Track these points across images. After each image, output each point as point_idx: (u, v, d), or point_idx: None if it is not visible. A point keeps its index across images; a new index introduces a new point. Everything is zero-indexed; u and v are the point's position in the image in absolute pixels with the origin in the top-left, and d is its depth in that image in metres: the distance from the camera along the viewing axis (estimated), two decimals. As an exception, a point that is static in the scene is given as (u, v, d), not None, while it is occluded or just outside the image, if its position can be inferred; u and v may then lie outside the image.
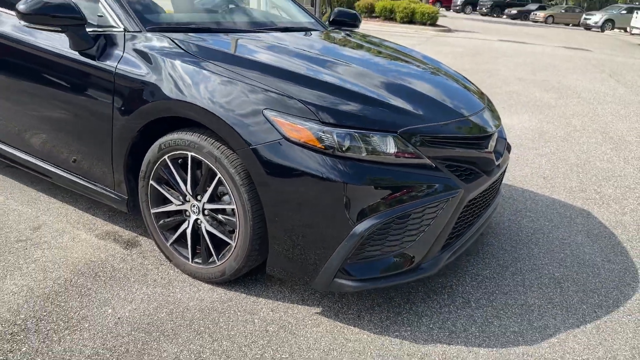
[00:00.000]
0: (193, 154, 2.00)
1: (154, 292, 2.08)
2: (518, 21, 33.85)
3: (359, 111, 1.88)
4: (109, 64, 2.15)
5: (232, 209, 1.98)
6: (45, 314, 1.89)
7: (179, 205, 2.14)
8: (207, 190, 2.03)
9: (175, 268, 2.25)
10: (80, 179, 2.45)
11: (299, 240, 1.86)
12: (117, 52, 2.16)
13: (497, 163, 2.26)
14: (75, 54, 2.23)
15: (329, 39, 2.90)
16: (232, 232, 2.05)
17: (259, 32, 2.67)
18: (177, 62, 2.03)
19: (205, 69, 1.98)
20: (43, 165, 2.58)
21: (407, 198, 1.82)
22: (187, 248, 2.17)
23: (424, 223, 1.89)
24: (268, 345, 1.83)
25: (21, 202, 2.74)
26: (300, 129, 1.78)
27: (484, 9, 37.52)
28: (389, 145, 1.82)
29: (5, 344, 1.73)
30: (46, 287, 2.05)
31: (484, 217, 2.34)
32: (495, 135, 2.28)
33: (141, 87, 2.07)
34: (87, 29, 2.21)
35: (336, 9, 3.67)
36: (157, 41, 2.15)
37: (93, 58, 2.19)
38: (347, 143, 1.78)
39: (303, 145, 1.78)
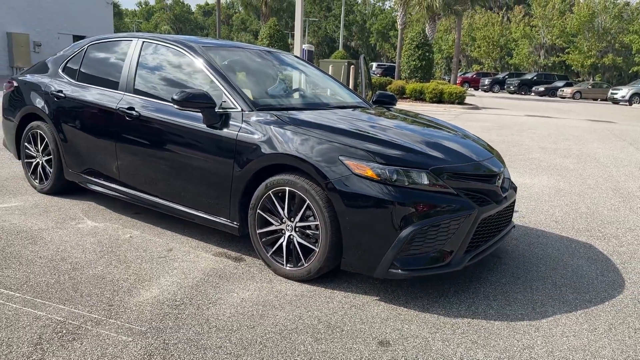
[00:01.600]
0: (290, 188, 2.97)
1: (261, 286, 2.97)
2: (546, 98, 35.16)
3: (402, 156, 2.84)
4: (232, 132, 3.21)
5: (316, 225, 2.90)
6: (193, 296, 2.80)
7: (277, 225, 3.09)
8: (298, 214, 2.98)
9: (273, 272, 3.14)
10: (203, 213, 3.43)
11: (363, 244, 2.76)
12: (237, 124, 3.22)
13: (503, 195, 3.14)
14: (206, 127, 3.31)
15: (376, 113, 3.93)
16: (316, 242, 2.96)
17: (327, 109, 3.72)
18: (279, 129, 3.06)
19: (298, 133, 3.00)
20: (173, 206, 3.59)
21: (437, 213, 2.72)
22: (282, 256, 3.08)
23: (450, 231, 2.76)
24: (345, 315, 2.67)
25: (153, 235, 3.74)
26: (364, 167, 2.74)
27: (511, 87, 39.18)
28: (423, 178, 2.75)
29: (174, 310, 2.63)
30: (189, 282, 2.97)
31: (497, 237, 3.19)
32: (502, 176, 3.18)
33: (255, 147, 3.10)
34: (216, 109, 3.31)
35: (378, 92, 4.76)
36: (264, 116, 3.20)
37: (220, 129, 3.26)
38: (394, 176, 2.72)
39: (366, 178, 2.72)
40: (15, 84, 4.77)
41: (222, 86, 3.40)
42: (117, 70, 4.03)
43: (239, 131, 3.19)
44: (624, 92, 30.32)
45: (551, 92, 36.82)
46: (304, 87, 4.14)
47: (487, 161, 3.17)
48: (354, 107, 3.98)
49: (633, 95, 29.74)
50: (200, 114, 3.33)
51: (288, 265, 3.07)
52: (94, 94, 4.04)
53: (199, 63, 3.58)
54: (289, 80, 4.21)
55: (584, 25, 41.05)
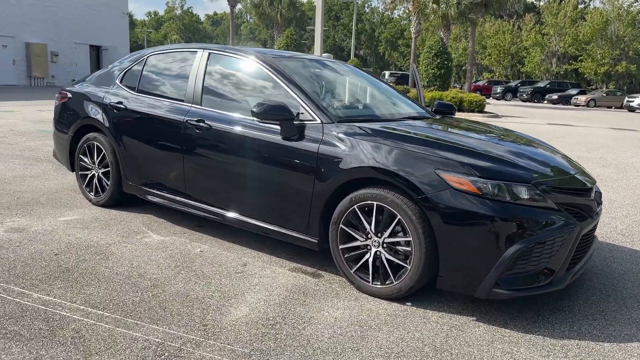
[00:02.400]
0: (378, 203, 2.87)
1: (349, 304, 2.87)
2: (559, 106, 34.96)
3: (501, 169, 2.74)
4: (312, 146, 3.12)
5: (407, 241, 2.80)
6: (285, 314, 2.71)
7: (363, 241, 2.99)
8: (387, 229, 2.88)
9: (357, 289, 3.04)
10: (279, 227, 3.34)
11: (464, 262, 2.65)
12: (317, 137, 3.14)
13: (596, 210, 3.03)
14: (283, 140, 3.22)
15: (453, 124, 3.83)
16: (406, 258, 2.86)
17: (399, 120, 3.63)
18: (365, 141, 2.97)
19: (386, 145, 2.91)
20: (246, 220, 3.50)
21: (541, 229, 2.61)
22: (368, 273, 2.98)
23: (555, 249, 2.65)
24: (448, 337, 2.56)
25: (222, 249, 3.65)
26: (464, 182, 2.64)
27: (524, 95, 38.98)
28: (526, 193, 2.65)
29: (270, 330, 2.54)
30: (275, 299, 2.88)
31: (589, 252, 3.07)
32: (594, 188, 3.07)
33: (339, 160, 3.01)
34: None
35: (436, 102, 4.67)
36: (346, 128, 3.12)
37: (298, 142, 3.17)
38: (496, 190, 2.62)
39: (466, 192, 2.62)
40: (69, 95, 4.72)
41: (299, 98, 3.32)
42: (182, 81, 3.97)
43: (320, 144, 3.11)
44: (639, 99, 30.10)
45: (565, 100, 36.57)
46: (369, 97, 4.05)
47: (581, 175, 3.07)
48: (423, 118, 3.89)
49: (649, 102, 29.49)
50: (276, 127, 3.25)
51: (374, 282, 2.96)
52: (157, 106, 3.98)
53: (272, 74, 3.51)
54: (357, 91, 4.13)
55: (597, 33, 40.89)
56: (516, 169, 2.78)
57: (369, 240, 2.97)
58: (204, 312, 2.69)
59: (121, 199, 4.44)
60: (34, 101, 15.89)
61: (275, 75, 3.49)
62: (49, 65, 25.58)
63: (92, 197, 4.53)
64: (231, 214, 3.58)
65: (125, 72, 4.41)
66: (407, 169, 2.78)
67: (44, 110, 12.80)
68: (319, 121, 3.20)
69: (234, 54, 3.80)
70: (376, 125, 3.24)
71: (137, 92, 4.22)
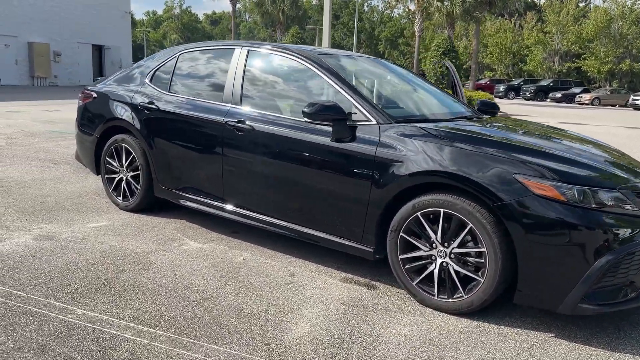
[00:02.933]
0: (445, 209, 2.67)
1: (415, 320, 2.67)
2: (563, 104, 34.76)
3: (585, 173, 2.54)
4: (368, 148, 2.91)
5: (479, 252, 2.60)
6: (350, 332, 2.50)
7: (427, 251, 2.78)
8: (456, 238, 2.67)
9: (419, 303, 2.84)
10: (330, 235, 3.13)
11: (547, 275, 2.44)
12: (373, 139, 2.93)
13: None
14: (335, 143, 3.01)
15: (506, 123, 3.63)
16: (477, 270, 2.65)
17: (453, 120, 3.42)
18: (430, 143, 2.76)
19: (455, 147, 2.70)
20: (292, 226, 3.29)
21: (631, 239, 2.40)
22: (432, 286, 2.78)
23: (643, 259, 2.45)
24: (531, 357, 2.36)
25: (265, 257, 3.44)
26: (546, 187, 2.44)
27: (527, 93, 38.74)
28: (613, 199, 2.44)
29: (339, 350, 2.33)
30: (334, 314, 2.67)
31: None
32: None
33: (399, 164, 2.80)
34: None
35: (479, 101, 4.46)
36: (405, 129, 2.91)
37: (351, 144, 2.96)
38: (582, 197, 2.41)
39: (549, 199, 2.42)
40: (94, 95, 4.50)
41: (351, 97, 3.12)
42: (218, 80, 3.76)
43: (377, 146, 2.90)
44: (645, 97, 29.93)
45: (568, 99, 36.36)
46: (416, 96, 3.84)
47: (659, 179, 2.86)
48: (475, 118, 3.68)
49: (655, 101, 29.35)
50: (327, 128, 3.05)
51: (440, 296, 2.76)
52: (192, 106, 3.77)
53: (319, 72, 3.30)
54: (403, 89, 3.91)
55: (600, 31, 40.72)
56: (601, 174, 2.58)
57: (433, 250, 2.77)
58: (262, 329, 2.48)
59: (151, 204, 4.23)
60: (39, 101, 15.65)
61: (323, 73, 3.28)
62: (51, 65, 25.30)
63: (120, 201, 4.32)
64: (276, 221, 3.37)
65: (155, 71, 4.19)
66: (481, 173, 2.57)
67: (51, 111, 12.57)
68: (374, 122, 3.00)
69: (275, 51, 3.59)
70: (439, 126, 3.03)
71: (169, 91, 4.01)
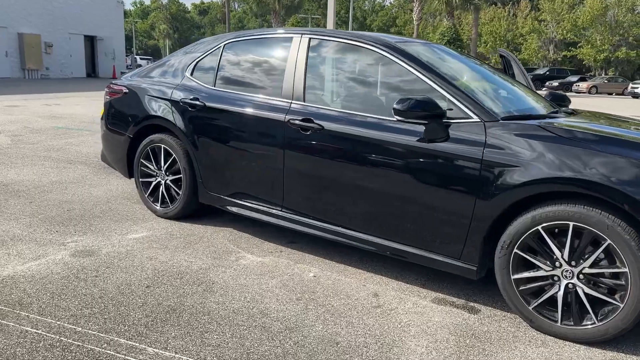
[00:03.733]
0: (576, 223, 2.28)
1: (541, 352, 2.29)
2: (560, 92, 34.49)
3: None
4: (473, 150, 2.51)
5: (617, 273, 2.22)
6: (474, 370, 2.12)
7: (549, 270, 2.40)
8: (588, 257, 2.29)
9: (536, 330, 2.46)
10: (418, 250, 2.74)
11: None
12: (478, 139, 2.52)
13: None
14: (428, 144, 2.61)
15: (609, 118, 3.34)
16: (612, 292, 2.28)
17: (551, 117, 3.00)
18: (557, 145, 2.35)
19: (588, 150, 2.28)
20: (372, 239, 2.88)
21: None
22: (554, 311, 2.40)
23: None
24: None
25: (337, 272, 3.04)
26: None
27: (524, 82, 38.53)
28: None
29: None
30: (445, 349, 2.29)
31: None
32: None
33: (514, 169, 2.40)
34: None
35: (549, 93, 4.08)
36: (522, 128, 2.50)
37: (447, 145, 2.56)
38: None
39: None
40: (124, 90, 4.04)
41: (447, 91, 2.71)
42: (275, 73, 3.32)
43: (484, 148, 2.50)
44: (644, 86, 29.81)
45: (565, 87, 36.16)
46: (503, 90, 3.42)
47: None
48: (565, 113, 3.28)
49: (655, 89, 29.24)
50: (415, 127, 2.65)
51: (565, 322, 2.38)
52: (245, 103, 3.34)
53: (403, 63, 2.88)
54: (491, 81, 3.48)
55: (596, 19, 40.48)
56: None
57: (557, 269, 2.38)
58: (374, 370, 2.10)
59: (194, 211, 3.80)
60: (34, 94, 15.01)
61: (408, 64, 2.86)
62: (42, 57, 24.50)
63: (158, 208, 3.88)
64: (352, 233, 2.97)
65: (197, 63, 3.74)
66: (628, 181, 2.18)
67: (51, 105, 11.98)
68: (477, 119, 2.59)
69: (345, 39, 3.15)
70: (553, 123, 2.64)
71: (215, 86, 3.57)
